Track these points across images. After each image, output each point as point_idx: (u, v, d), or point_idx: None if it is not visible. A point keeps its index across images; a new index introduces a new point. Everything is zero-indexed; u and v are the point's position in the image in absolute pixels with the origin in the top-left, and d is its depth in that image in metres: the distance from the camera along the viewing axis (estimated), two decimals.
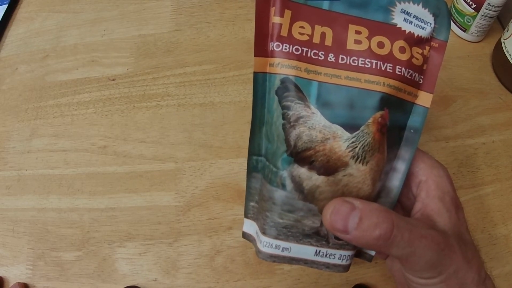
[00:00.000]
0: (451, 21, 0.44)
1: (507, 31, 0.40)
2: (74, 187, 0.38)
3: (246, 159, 0.38)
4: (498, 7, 0.39)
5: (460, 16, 0.43)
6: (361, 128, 0.21)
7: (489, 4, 0.39)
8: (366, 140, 0.21)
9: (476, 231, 0.34)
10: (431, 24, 0.23)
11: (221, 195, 0.36)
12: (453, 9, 0.44)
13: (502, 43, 0.40)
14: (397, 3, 0.23)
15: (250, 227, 0.25)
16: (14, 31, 0.49)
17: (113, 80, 0.44)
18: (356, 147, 0.21)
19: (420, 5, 0.23)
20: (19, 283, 0.33)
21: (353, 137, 0.21)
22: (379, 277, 0.33)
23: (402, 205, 0.25)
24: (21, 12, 0.51)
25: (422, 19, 0.23)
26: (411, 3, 0.23)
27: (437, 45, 0.23)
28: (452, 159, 0.37)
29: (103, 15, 0.49)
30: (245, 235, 0.26)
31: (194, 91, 0.42)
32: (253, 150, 0.24)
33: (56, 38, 0.48)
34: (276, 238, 0.23)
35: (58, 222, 0.36)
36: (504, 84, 0.41)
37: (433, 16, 0.23)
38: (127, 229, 0.35)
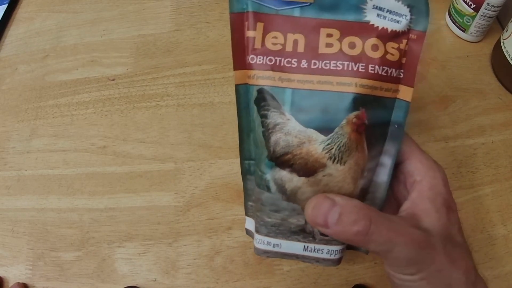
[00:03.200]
0: (450, 21, 0.45)
1: (507, 31, 0.40)
2: (74, 187, 0.38)
3: None
4: (497, 7, 0.39)
5: (460, 16, 0.43)
6: (335, 130, 0.22)
7: (488, 4, 0.39)
8: (341, 141, 0.22)
9: (476, 231, 0.34)
10: (406, 16, 0.22)
11: (220, 195, 0.36)
12: (452, 9, 0.44)
13: (502, 43, 0.40)
14: (368, 0, 0.22)
15: (250, 224, 0.26)
16: (14, 31, 0.49)
17: (113, 80, 0.44)
18: (332, 148, 0.22)
19: None
20: (18, 283, 0.33)
21: (328, 139, 0.22)
22: (379, 277, 0.33)
23: (398, 202, 0.25)
24: (21, 12, 0.51)
25: (396, 12, 0.22)
26: None
27: (415, 36, 0.23)
28: (452, 159, 0.37)
29: (103, 15, 0.49)
30: (247, 232, 0.27)
31: (194, 91, 0.42)
32: (244, 155, 0.25)
33: (56, 38, 0.48)
34: (266, 235, 0.25)
35: (57, 222, 0.36)
36: (503, 84, 0.41)
37: (408, 7, 0.22)
38: (126, 229, 0.35)
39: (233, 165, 0.37)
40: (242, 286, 0.33)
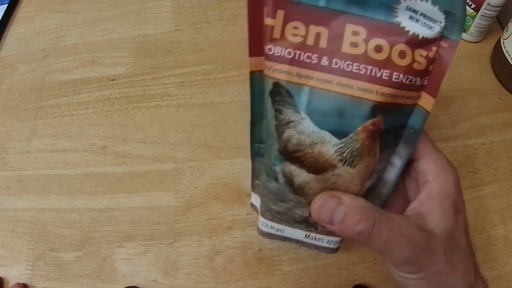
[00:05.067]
0: None
1: (507, 31, 0.40)
2: (74, 187, 0.38)
3: (246, 159, 0.38)
4: (497, 7, 0.39)
5: None
6: (350, 135, 0.21)
7: (488, 4, 0.39)
8: (354, 146, 0.21)
9: (476, 231, 0.34)
10: (440, 22, 0.21)
11: (220, 195, 0.36)
12: None
13: (502, 43, 0.40)
14: (402, 0, 0.20)
15: (257, 200, 0.27)
16: (14, 31, 0.49)
17: (113, 80, 0.44)
18: (344, 152, 0.21)
19: (429, 1, 0.20)
20: (18, 283, 0.33)
21: (341, 143, 0.21)
22: (379, 277, 0.33)
23: (407, 197, 0.25)
24: (21, 12, 0.51)
25: (431, 18, 0.21)
26: (418, 0, 0.20)
27: (446, 45, 0.21)
28: (452, 160, 0.37)
29: (103, 15, 0.49)
30: (252, 206, 0.28)
31: (194, 91, 0.42)
32: (255, 138, 0.24)
33: (56, 38, 0.48)
34: (271, 220, 0.25)
35: (58, 222, 0.36)
36: (503, 85, 0.41)
37: (444, 13, 0.21)
38: (126, 229, 0.35)
39: (233, 165, 0.37)
40: (242, 286, 0.33)
